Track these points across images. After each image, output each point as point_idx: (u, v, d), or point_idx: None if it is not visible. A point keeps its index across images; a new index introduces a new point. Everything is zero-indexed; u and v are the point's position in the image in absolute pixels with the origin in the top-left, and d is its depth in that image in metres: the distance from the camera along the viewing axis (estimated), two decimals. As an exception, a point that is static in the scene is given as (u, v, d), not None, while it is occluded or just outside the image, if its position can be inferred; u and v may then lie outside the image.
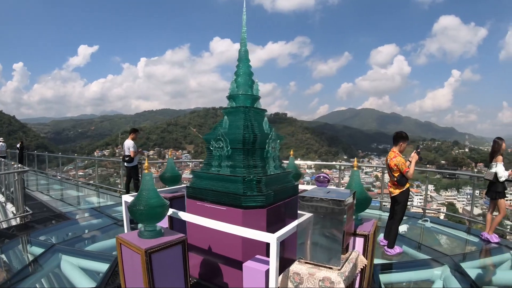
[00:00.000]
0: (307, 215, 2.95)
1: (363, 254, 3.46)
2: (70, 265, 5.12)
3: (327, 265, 2.88)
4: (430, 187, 67.51)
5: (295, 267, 2.95)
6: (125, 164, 10.06)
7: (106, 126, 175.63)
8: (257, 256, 3.42)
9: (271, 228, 3.58)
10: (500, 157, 6.48)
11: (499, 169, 6.39)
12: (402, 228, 7.58)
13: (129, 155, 9.76)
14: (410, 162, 5.84)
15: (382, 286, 4.64)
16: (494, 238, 6.69)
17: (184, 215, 3.68)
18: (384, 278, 4.93)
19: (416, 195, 67.39)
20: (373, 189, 73.16)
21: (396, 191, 5.84)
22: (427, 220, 8.42)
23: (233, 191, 3.81)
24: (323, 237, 2.90)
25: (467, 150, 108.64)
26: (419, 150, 5.97)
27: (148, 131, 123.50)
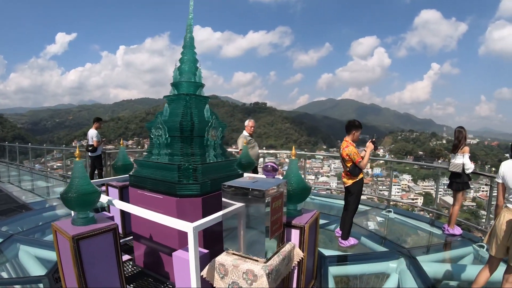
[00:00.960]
0: (237, 204, 2.87)
1: (300, 247, 3.37)
2: (27, 255, 5.12)
3: (253, 257, 2.82)
4: (408, 177, 68.59)
5: (221, 258, 2.89)
6: (89, 154, 9.99)
7: (84, 116, 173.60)
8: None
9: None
10: (467, 148, 6.28)
11: (467, 160, 6.25)
12: (372, 225, 7.59)
13: (92, 145, 9.70)
14: (365, 151, 5.71)
15: (332, 278, 4.58)
16: (457, 231, 6.58)
17: (118, 203, 3.61)
18: (335, 270, 4.87)
19: (394, 185, 68.58)
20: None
21: (349, 182, 5.68)
22: (390, 211, 8.25)
23: (169, 180, 3.75)
24: (248, 228, 2.83)
25: (444, 141, 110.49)
26: (374, 139, 5.79)
27: (127, 121, 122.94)
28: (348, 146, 5.60)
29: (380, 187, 58.08)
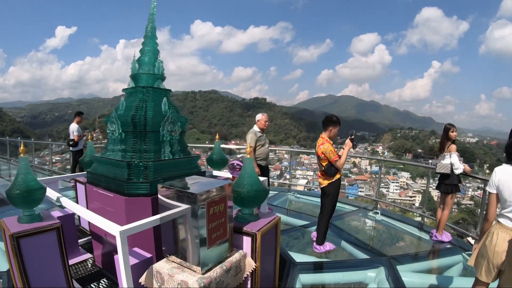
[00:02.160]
0: (182, 206, 2.61)
1: (252, 256, 3.00)
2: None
3: (191, 267, 2.60)
4: (406, 174, 68.47)
5: (159, 265, 2.69)
6: (70, 148, 9.84)
7: (84, 110, 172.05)
8: (135, 249, 3.19)
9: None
10: (454, 146, 5.85)
11: (455, 160, 5.78)
12: (355, 228, 7.17)
13: (73, 139, 9.56)
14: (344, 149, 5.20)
15: (300, 287, 4.36)
16: (445, 237, 6.08)
17: (64, 201, 3.41)
18: (306, 278, 4.57)
19: (392, 182, 68.46)
20: (350, 175, 73.86)
21: (325, 182, 5.24)
22: (377, 213, 7.75)
23: (119, 177, 3.54)
24: (186, 234, 2.61)
25: None
26: (353, 136, 5.27)
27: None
28: (323, 143, 5.13)
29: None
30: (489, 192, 3.06)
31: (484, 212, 4.71)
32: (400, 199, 60.63)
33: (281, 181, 17.92)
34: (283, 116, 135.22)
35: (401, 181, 68.24)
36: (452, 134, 5.88)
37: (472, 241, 6.09)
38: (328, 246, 5.47)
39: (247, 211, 3.17)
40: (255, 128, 6.86)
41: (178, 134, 3.94)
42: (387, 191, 65.85)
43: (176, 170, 3.83)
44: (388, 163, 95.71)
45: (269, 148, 7.12)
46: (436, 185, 6.29)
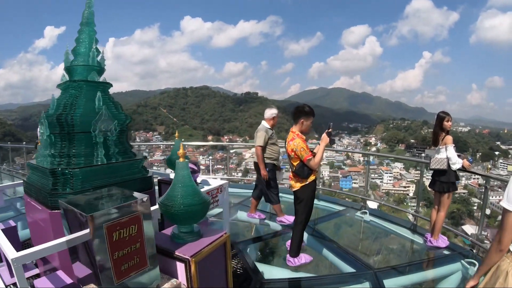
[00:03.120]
0: (80, 231, 2.04)
1: (188, 285, 2.30)
2: None
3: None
4: (400, 165, 68.53)
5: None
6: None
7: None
8: (59, 273, 2.70)
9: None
10: (450, 138, 5.03)
11: (452, 154, 4.99)
12: (339, 232, 6.43)
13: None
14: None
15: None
16: (442, 242, 5.29)
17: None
18: None
19: (385, 173, 68.46)
20: (344, 167, 73.70)
21: (297, 185, 4.42)
22: (365, 213, 6.90)
23: (44, 187, 2.99)
24: (95, 262, 1.92)
25: None
26: (330, 130, 4.38)
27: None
28: (294, 138, 4.28)
29: (372, 175, 57.84)
30: (507, 210, 1.98)
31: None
32: (394, 190, 60.66)
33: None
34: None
35: (394, 172, 68.38)
36: (447, 124, 5.10)
37: (470, 230, 5.52)
38: (303, 258, 4.65)
39: (184, 229, 2.48)
40: (265, 124, 6.09)
41: (115, 134, 3.35)
42: (380, 182, 66.07)
43: (111, 177, 3.27)
44: (382, 153, 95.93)
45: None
46: (429, 182, 5.45)
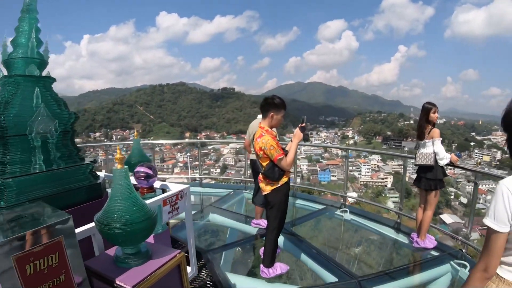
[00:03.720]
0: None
1: None
2: None
3: None
4: (377, 157, 69.19)
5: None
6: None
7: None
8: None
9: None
10: (437, 131, 4.65)
11: (439, 148, 4.60)
12: (318, 234, 6.01)
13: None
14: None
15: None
16: (429, 243, 4.89)
17: None
18: None
19: (363, 165, 68.96)
20: (322, 160, 73.99)
21: (267, 189, 3.88)
22: (346, 211, 6.39)
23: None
24: None
25: (412, 122, 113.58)
26: (303, 124, 3.85)
27: (93, 112, 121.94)
28: (262, 135, 3.71)
29: (350, 168, 58.12)
30: (494, 230, 1.62)
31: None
32: (372, 182, 61.19)
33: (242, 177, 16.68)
34: (252, 105, 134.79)
35: (372, 164, 68.99)
36: (434, 116, 4.70)
37: (449, 219, 5.22)
38: (279, 268, 4.17)
39: (128, 251, 1.99)
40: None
41: (56, 136, 2.86)
42: (359, 174, 66.64)
43: (52, 186, 2.77)
44: (358, 146, 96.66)
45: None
46: (415, 179, 5.00)
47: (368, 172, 67.59)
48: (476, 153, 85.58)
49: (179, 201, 2.83)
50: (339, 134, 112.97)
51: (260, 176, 3.96)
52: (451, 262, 4.41)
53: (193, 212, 6.12)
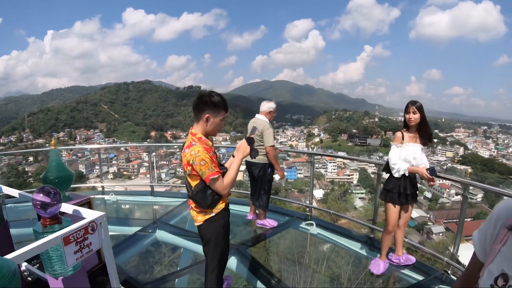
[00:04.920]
0: None
1: None
2: None
3: None
4: (343, 154, 69.86)
5: None
6: None
7: (12, 109, 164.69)
8: None
9: None
10: (396, 134, 3.94)
11: (391, 155, 3.88)
12: (280, 254, 4.97)
13: None
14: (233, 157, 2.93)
15: None
16: (406, 259, 4.25)
17: None
18: None
19: (329, 162, 69.52)
20: (288, 158, 74.48)
21: (199, 218, 2.89)
22: (312, 224, 5.61)
23: None
24: None
25: (377, 119, 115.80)
26: (252, 136, 3.00)
27: (57, 111, 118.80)
28: (192, 145, 2.70)
29: (316, 165, 58.54)
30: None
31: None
32: (338, 178, 61.86)
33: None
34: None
35: (338, 161, 69.60)
36: (407, 117, 3.79)
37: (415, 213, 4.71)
38: None
39: None
40: (265, 119, 4.98)
41: None
42: (325, 171, 67.26)
43: None
44: (324, 143, 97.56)
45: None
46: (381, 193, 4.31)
47: (334, 169, 68.32)
48: (440, 149, 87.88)
49: (91, 235, 2.20)
50: (305, 132, 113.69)
51: (190, 200, 2.93)
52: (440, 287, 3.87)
53: (137, 229, 5.51)
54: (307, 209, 6.33)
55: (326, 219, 6.75)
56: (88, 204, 3.12)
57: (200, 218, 2.87)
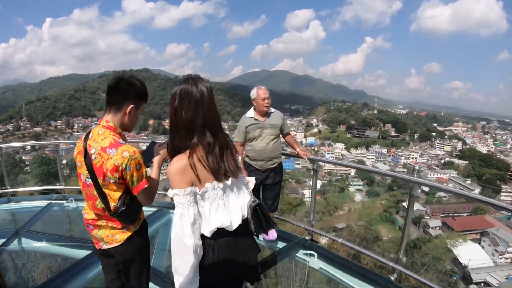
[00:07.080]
0: None
1: None
2: None
3: None
4: (341, 145, 70.19)
5: None
6: None
7: (9, 97, 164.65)
8: None
9: None
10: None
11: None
12: None
13: None
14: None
15: None
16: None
17: None
18: None
19: (327, 154, 69.68)
20: (286, 148, 74.77)
21: (118, 237, 2.21)
22: (313, 255, 4.01)
23: None
24: None
25: (376, 111, 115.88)
26: (165, 143, 2.29)
27: (54, 100, 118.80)
28: (117, 144, 2.02)
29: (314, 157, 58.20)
30: None
31: None
32: (336, 170, 61.80)
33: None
34: (217, 92, 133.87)
35: (336, 152, 69.69)
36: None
37: None
38: None
39: None
40: (248, 113, 4.29)
41: None
42: (323, 162, 67.27)
43: None
44: (323, 134, 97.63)
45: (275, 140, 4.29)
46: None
47: (332, 157, 68.18)
48: (438, 143, 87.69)
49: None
50: (303, 122, 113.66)
51: (95, 218, 2.20)
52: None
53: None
54: (307, 231, 4.49)
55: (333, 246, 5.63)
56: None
57: (119, 237, 2.20)
